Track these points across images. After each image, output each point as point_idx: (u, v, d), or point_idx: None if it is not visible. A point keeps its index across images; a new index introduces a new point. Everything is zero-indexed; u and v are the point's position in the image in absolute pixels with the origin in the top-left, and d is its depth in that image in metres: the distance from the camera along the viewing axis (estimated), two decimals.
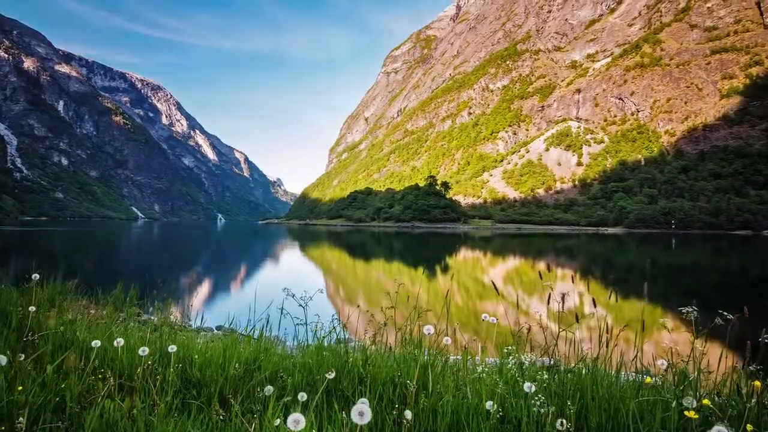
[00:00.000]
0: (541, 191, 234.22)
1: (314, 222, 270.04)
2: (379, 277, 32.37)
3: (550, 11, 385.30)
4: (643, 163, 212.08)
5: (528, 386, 3.45)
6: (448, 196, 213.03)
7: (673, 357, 4.27)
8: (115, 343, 4.06)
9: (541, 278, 5.54)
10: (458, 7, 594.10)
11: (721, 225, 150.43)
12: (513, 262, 45.08)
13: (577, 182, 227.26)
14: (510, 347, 5.18)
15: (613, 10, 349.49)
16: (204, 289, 23.94)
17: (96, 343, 4.08)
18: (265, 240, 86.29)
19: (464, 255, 53.41)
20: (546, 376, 4.28)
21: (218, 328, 12.36)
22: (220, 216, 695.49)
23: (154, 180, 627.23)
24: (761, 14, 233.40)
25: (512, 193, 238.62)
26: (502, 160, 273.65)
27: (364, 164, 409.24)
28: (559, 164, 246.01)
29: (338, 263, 44.78)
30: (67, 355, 4.49)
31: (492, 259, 48.37)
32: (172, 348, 4.33)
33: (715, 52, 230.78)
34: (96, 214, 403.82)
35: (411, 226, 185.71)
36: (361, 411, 1.97)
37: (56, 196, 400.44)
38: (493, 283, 5.73)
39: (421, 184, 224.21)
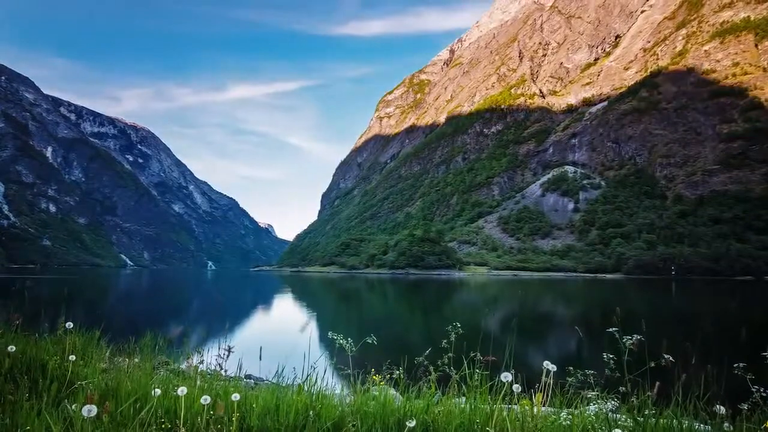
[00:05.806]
0: (537, 237, 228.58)
1: (307, 269, 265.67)
2: (414, 321, 32.82)
3: (545, 55, 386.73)
4: (641, 208, 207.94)
5: None
6: (442, 243, 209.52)
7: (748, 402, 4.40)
8: (179, 392, 4.15)
9: (617, 319, 5.03)
10: (452, 51, 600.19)
11: (722, 271, 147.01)
12: (537, 308, 45.48)
13: (574, 228, 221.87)
14: (591, 393, 5.17)
15: (608, 54, 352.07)
16: (225, 337, 20.79)
17: (156, 392, 4.26)
18: (269, 288, 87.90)
19: (484, 300, 54.57)
20: (630, 422, 4.28)
21: (247, 376, 11.04)
22: (210, 263, 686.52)
23: (143, 227, 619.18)
24: (760, 57, 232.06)
25: (508, 240, 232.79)
26: (497, 206, 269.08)
27: (357, 210, 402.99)
28: (556, 210, 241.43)
29: (355, 309, 45.59)
30: (125, 405, 4.57)
31: (511, 306, 47.95)
32: (236, 396, 4.38)
33: (714, 95, 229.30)
34: (84, 262, 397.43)
35: (405, 273, 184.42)
36: None
37: (44, 243, 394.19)
38: (577, 329, 5.45)
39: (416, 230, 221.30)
